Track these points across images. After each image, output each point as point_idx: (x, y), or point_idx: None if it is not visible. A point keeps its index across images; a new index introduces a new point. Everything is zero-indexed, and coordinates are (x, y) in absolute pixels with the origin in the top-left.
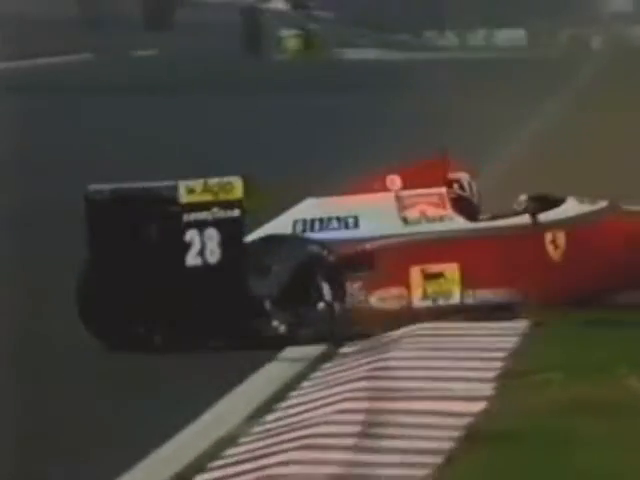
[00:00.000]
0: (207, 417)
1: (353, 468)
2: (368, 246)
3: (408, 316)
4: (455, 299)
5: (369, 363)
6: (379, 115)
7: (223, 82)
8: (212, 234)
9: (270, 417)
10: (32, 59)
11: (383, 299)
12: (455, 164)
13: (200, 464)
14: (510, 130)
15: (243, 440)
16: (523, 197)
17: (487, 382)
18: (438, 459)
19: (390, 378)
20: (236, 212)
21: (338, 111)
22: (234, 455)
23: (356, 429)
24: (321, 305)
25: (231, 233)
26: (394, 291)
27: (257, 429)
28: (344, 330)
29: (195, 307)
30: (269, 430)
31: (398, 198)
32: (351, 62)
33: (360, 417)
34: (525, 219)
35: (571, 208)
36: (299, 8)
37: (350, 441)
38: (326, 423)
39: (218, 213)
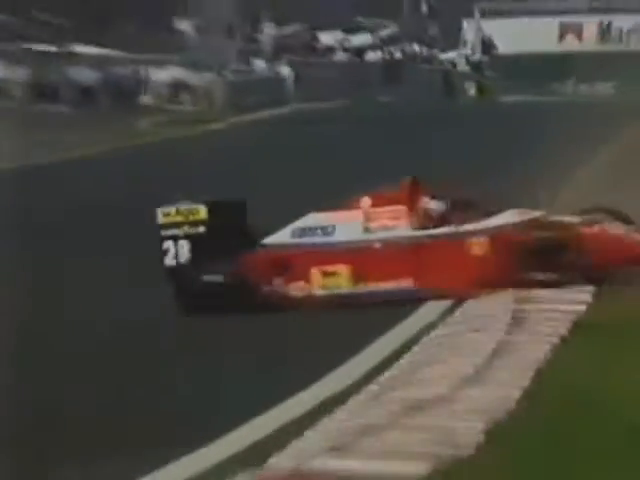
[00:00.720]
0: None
1: (503, 347)
2: (287, 253)
3: (310, 301)
4: (346, 289)
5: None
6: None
7: (431, 118)
8: (183, 244)
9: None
10: (316, 102)
11: (295, 289)
12: (426, 187)
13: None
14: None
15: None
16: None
17: (587, 293)
18: (556, 339)
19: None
20: (201, 229)
21: (501, 138)
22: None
23: (508, 318)
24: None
25: (198, 243)
26: (300, 284)
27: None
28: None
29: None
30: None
31: (366, 213)
32: (508, 104)
33: (510, 313)
34: (453, 228)
35: (502, 218)
36: (476, 69)
37: (503, 326)
38: (485, 316)
39: (188, 230)
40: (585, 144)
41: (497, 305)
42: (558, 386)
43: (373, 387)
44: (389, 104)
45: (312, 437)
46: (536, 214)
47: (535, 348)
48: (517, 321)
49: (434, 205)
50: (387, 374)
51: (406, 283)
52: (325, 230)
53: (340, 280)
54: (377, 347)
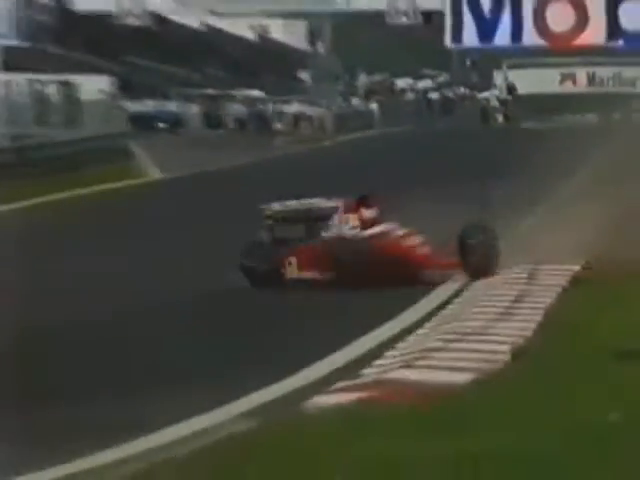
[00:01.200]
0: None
1: (521, 295)
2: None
3: (285, 282)
4: (296, 275)
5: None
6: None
7: (470, 137)
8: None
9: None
10: (394, 127)
11: (284, 273)
12: (377, 199)
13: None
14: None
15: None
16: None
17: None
18: (560, 289)
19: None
20: (271, 222)
21: (519, 151)
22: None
23: (525, 273)
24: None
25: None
26: (283, 270)
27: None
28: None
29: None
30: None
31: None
32: (524, 128)
33: (527, 270)
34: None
35: (376, 229)
36: (503, 104)
37: (522, 278)
38: (510, 273)
39: (268, 222)
40: (576, 156)
41: (518, 266)
42: (562, 321)
43: (432, 323)
44: (444, 128)
45: (389, 356)
46: (392, 227)
47: (545, 294)
48: (532, 276)
49: (366, 213)
50: (442, 313)
51: (329, 272)
52: (329, 226)
53: (293, 269)
54: (434, 296)
